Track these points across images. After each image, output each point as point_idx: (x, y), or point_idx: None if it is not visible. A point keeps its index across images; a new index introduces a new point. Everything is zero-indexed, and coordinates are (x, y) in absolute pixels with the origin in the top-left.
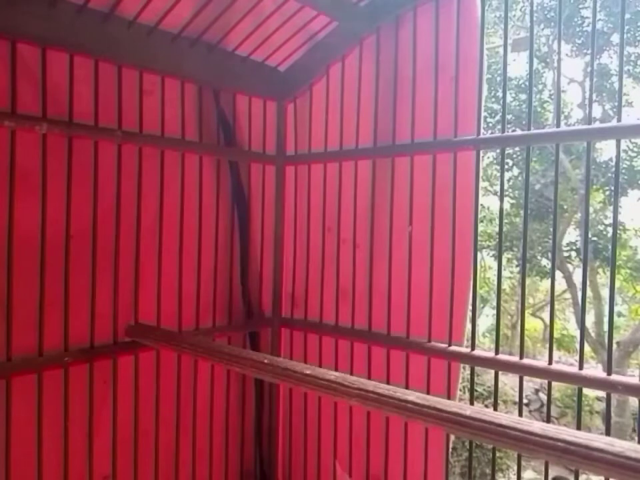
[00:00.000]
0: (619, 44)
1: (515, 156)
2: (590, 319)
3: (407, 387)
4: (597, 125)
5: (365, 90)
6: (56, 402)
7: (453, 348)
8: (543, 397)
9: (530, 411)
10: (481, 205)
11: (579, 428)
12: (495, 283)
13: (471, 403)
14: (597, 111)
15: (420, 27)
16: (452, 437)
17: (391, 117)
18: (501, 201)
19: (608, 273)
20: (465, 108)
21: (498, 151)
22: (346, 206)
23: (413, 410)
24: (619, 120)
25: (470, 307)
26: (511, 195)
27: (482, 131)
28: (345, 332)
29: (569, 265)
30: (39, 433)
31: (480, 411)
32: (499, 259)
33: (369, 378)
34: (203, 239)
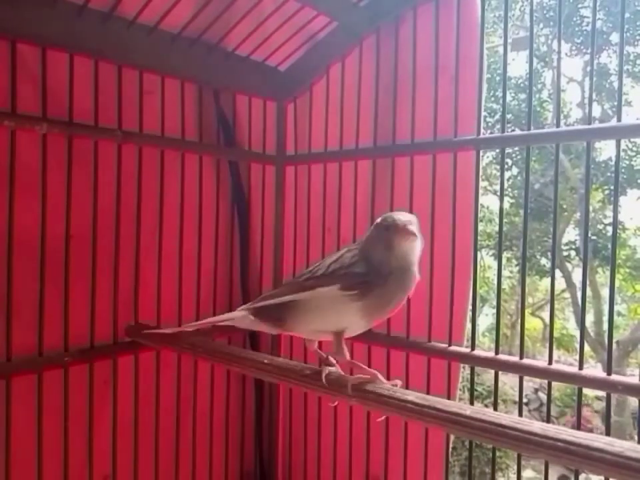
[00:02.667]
0: (618, 43)
1: (514, 155)
2: (589, 318)
3: (407, 387)
4: (596, 124)
5: (365, 90)
6: (56, 402)
7: (453, 348)
8: (543, 396)
9: (530, 411)
10: (481, 204)
11: (578, 428)
12: (495, 282)
13: (471, 403)
14: (596, 111)
15: (420, 26)
16: (452, 437)
17: (391, 116)
18: (501, 200)
19: (607, 272)
20: (465, 108)
21: (498, 150)
22: (346, 206)
23: (412, 410)
24: (618, 119)
25: (470, 307)
26: (510, 195)
27: (482, 130)
28: None
29: (568, 264)
30: (39, 433)
31: (480, 410)
32: (498, 258)
33: None
34: (203, 239)
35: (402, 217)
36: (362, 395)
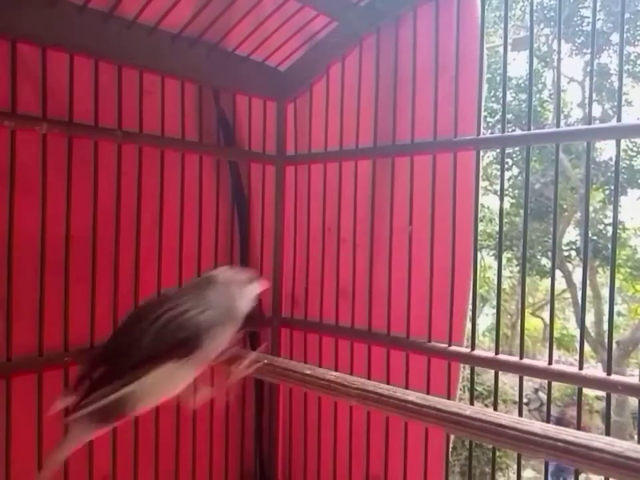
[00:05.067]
0: (618, 43)
1: (514, 155)
2: (589, 318)
3: (407, 387)
4: (597, 124)
5: (365, 90)
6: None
7: (453, 348)
8: (543, 396)
9: (530, 410)
10: (481, 204)
11: (579, 428)
12: (495, 282)
13: (471, 403)
14: (596, 111)
15: (420, 26)
16: (452, 437)
17: (391, 117)
18: (501, 200)
19: (608, 272)
20: (465, 108)
21: (498, 150)
22: (346, 206)
23: (412, 410)
24: (618, 119)
25: (470, 307)
26: (510, 195)
27: (482, 130)
28: (344, 332)
29: (568, 264)
30: (39, 433)
31: (480, 410)
32: (498, 258)
33: (369, 378)
34: (203, 239)
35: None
36: (362, 395)
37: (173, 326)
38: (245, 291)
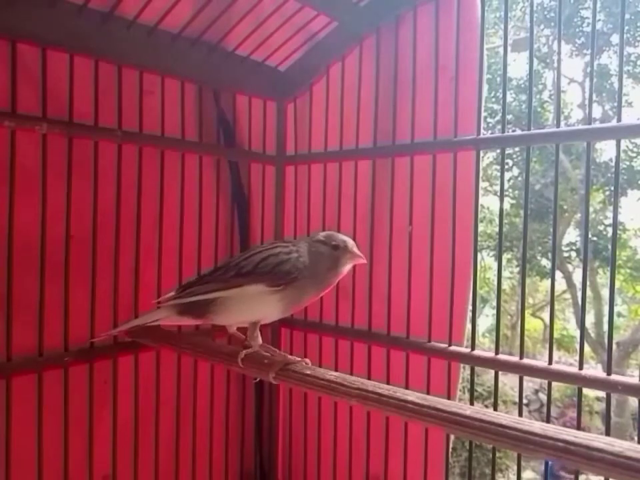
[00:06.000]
0: (618, 44)
1: (514, 156)
2: (590, 319)
3: (406, 387)
4: (597, 125)
5: (365, 90)
6: (56, 402)
7: (453, 348)
8: (543, 397)
9: (530, 411)
10: (481, 205)
11: (579, 428)
12: (495, 283)
13: (471, 403)
14: (596, 111)
15: (420, 26)
16: (452, 437)
17: (391, 117)
18: (501, 201)
19: (608, 273)
20: (465, 108)
21: (498, 151)
22: (346, 206)
23: (412, 410)
24: (618, 120)
25: (470, 307)
26: (510, 195)
27: (482, 131)
28: (344, 332)
29: (568, 265)
30: (39, 433)
31: (480, 410)
32: (498, 259)
33: (369, 378)
34: (203, 239)
35: (348, 239)
36: (362, 395)
37: (274, 259)
38: (342, 256)
